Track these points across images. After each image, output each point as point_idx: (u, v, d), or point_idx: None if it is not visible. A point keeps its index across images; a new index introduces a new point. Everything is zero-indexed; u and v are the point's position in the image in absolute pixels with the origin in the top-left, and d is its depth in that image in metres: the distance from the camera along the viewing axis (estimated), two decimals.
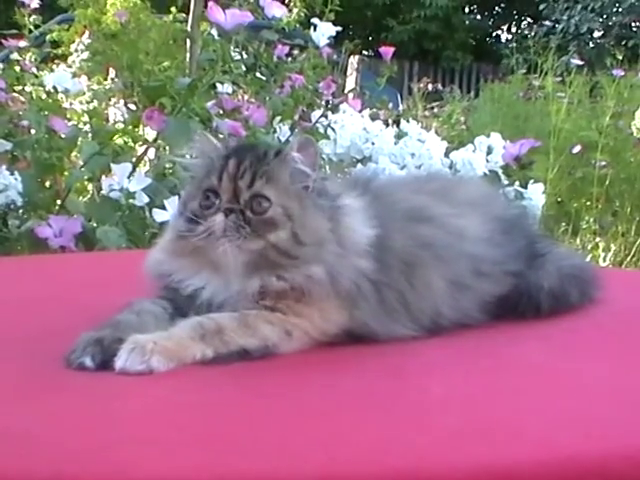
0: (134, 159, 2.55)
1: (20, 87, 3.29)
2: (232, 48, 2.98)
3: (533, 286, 1.08)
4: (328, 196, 0.95)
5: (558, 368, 0.88)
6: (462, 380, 0.84)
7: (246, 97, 3.19)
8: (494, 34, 14.24)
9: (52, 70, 3.86)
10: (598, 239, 3.94)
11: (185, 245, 0.94)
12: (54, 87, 3.01)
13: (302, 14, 4.26)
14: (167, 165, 2.62)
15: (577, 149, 4.12)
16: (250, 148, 0.98)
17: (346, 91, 3.98)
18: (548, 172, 3.99)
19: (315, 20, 3.01)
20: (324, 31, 2.93)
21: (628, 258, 3.80)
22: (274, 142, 2.79)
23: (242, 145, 0.97)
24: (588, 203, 4.14)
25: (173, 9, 4.06)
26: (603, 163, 4.05)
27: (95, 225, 2.18)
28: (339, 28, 2.98)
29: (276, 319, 0.90)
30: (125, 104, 3.48)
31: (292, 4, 4.31)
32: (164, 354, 0.83)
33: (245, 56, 3.19)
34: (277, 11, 2.75)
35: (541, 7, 10.29)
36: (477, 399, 0.78)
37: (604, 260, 3.76)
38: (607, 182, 4.05)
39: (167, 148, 2.64)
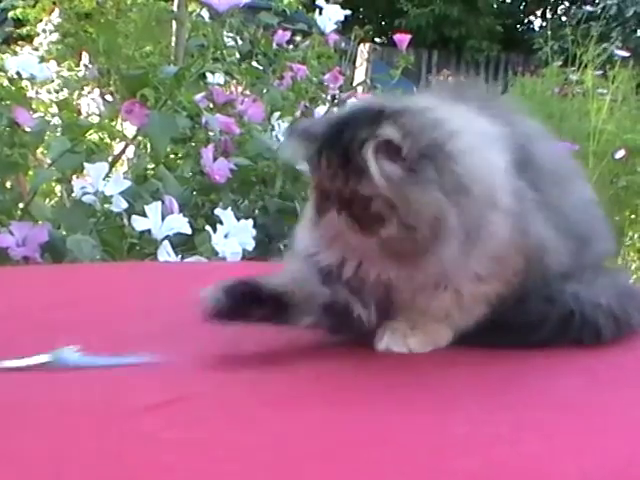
0: (111, 158, 2.57)
1: None
2: (225, 32, 2.99)
3: (587, 303, 1.05)
4: (433, 152, 0.95)
5: (599, 407, 0.88)
6: (486, 417, 0.84)
7: (240, 89, 3.21)
8: (526, 20, 14.29)
9: (15, 53, 3.89)
10: None
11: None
12: (18, 73, 3.02)
13: None
14: (149, 165, 2.64)
15: (621, 154, 4.14)
16: (337, 138, 0.98)
17: (355, 84, 4.00)
18: None
19: (321, 2, 3.03)
20: (331, 15, 2.95)
21: None
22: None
23: (330, 135, 0.99)
24: (633, 216, 4.15)
25: None
26: None
27: (65, 233, 2.18)
28: (348, 12, 3.01)
29: (484, 295, 1.02)
30: (101, 94, 3.50)
31: None
32: (420, 338, 1.02)
33: (240, 42, 3.21)
34: None
35: None
36: (503, 439, 0.78)
37: None
38: None
39: (149, 146, 2.66)
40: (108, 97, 3.44)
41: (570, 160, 1.21)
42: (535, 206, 1.02)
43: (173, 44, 3.41)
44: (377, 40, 10.17)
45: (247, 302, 0.99)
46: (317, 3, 3.05)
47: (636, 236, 4.03)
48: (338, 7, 3.00)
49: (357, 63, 6.14)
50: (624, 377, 1.00)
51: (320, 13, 2.99)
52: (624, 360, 1.05)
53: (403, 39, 3.12)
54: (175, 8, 3.42)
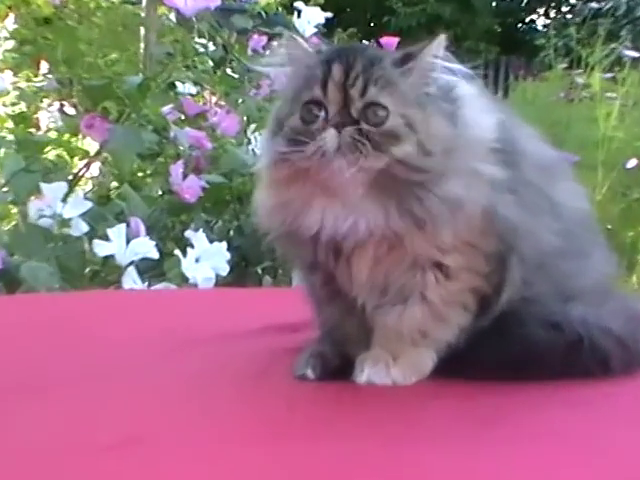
0: (71, 177, 2.56)
1: None
2: (195, 38, 3.00)
3: (596, 328, 1.04)
4: (448, 95, 1.01)
5: (591, 442, 0.89)
6: (469, 453, 0.85)
7: (213, 100, 3.22)
8: (527, 19, 14.34)
9: None
10: None
11: (288, 168, 0.99)
12: None
13: None
14: (112, 185, 2.64)
15: (632, 164, 4.14)
16: (358, 51, 1.00)
17: None
18: (595, 192, 4.01)
19: (299, 4, 3.04)
20: (310, 17, 2.95)
21: None
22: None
23: (346, 48, 1.03)
24: None
25: None
26: None
27: (20, 260, 2.18)
28: (329, 14, 3.00)
29: (457, 295, 1.02)
30: (61, 107, 3.50)
31: None
32: (404, 368, 1.04)
33: (212, 48, 3.22)
34: None
35: None
36: (483, 474, 0.79)
37: None
38: None
39: (112, 163, 2.66)
40: (69, 110, 3.43)
41: (565, 165, 1.23)
42: (508, 189, 1.02)
43: (141, 51, 3.41)
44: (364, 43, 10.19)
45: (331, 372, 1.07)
46: (295, 5, 3.04)
47: None
48: (318, 9, 2.99)
49: None
50: (618, 409, 1.00)
51: (299, 16, 2.98)
52: (620, 390, 1.04)
53: (391, 42, 3.13)
54: (143, 13, 3.42)
